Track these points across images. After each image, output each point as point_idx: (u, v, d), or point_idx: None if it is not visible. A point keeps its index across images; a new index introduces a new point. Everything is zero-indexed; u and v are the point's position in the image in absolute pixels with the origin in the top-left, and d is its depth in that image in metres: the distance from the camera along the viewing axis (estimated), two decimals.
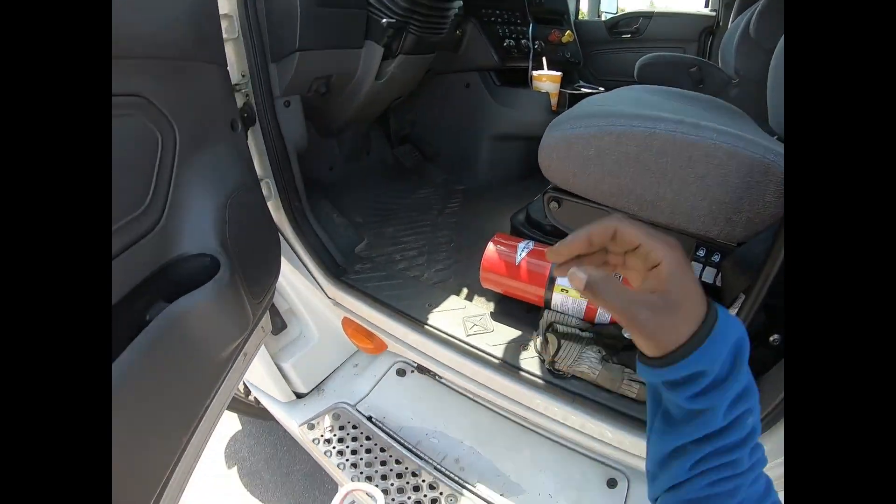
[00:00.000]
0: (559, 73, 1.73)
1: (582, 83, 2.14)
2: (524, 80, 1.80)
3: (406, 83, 1.63)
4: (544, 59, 1.80)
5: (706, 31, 2.73)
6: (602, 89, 1.99)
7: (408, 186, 1.79)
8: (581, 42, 2.37)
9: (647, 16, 2.73)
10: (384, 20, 1.23)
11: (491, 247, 1.00)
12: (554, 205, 0.83)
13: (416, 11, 1.29)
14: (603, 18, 2.92)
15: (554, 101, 1.74)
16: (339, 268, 1.20)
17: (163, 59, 0.61)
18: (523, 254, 0.98)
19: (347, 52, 1.28)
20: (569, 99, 1.75)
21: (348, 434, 1.26)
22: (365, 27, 1.26)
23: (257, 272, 0.83)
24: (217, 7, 0.77)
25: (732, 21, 2.53)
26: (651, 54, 2.23)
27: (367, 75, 1.36)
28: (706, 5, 2.81)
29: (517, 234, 1.09)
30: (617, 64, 2.77)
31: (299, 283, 1.29)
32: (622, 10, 3.01)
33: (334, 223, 1.40)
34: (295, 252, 1.19)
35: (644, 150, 0.67)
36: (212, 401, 0.74)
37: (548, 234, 1.06)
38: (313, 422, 1.31)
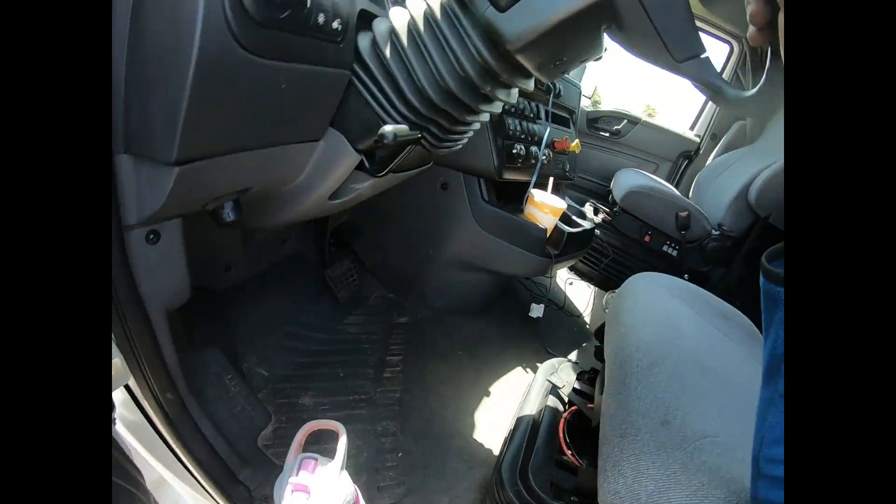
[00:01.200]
0: (563, 206, 1.34)
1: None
2: (518, 199, 1.37)
3: (371, 197, 1.05)
4: (551, 180, 1.41)
5: (684, 154, 2.62)
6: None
7: (333, 309, 1.26)
8: None
9: (634, 121, 2.53)
10: (388, 127, 0.66)
11: None
12: None
13: (438, 120, 0.72)
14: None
15: (548, 237, 1.35)
16: (240, 486, 0.73)
17: None
18: None
19: (290, 148, 0.66)
20: (566, 238, 1.36)
21: None
22: (335, 108, 0.67)
23: None
24: None
25: (714, 156, 2.43)
26: (642, 182, 1.99)
27: (314, 188, 0.75)
28: (691, 127, 2.68)
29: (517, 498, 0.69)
30: (588, 160, 2.52)
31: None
32: (596, 101, 2.77)
33: (229, 392, 0.86)
34: (175, 455, 0.68)
35: None
36: None
37: None
38: None
